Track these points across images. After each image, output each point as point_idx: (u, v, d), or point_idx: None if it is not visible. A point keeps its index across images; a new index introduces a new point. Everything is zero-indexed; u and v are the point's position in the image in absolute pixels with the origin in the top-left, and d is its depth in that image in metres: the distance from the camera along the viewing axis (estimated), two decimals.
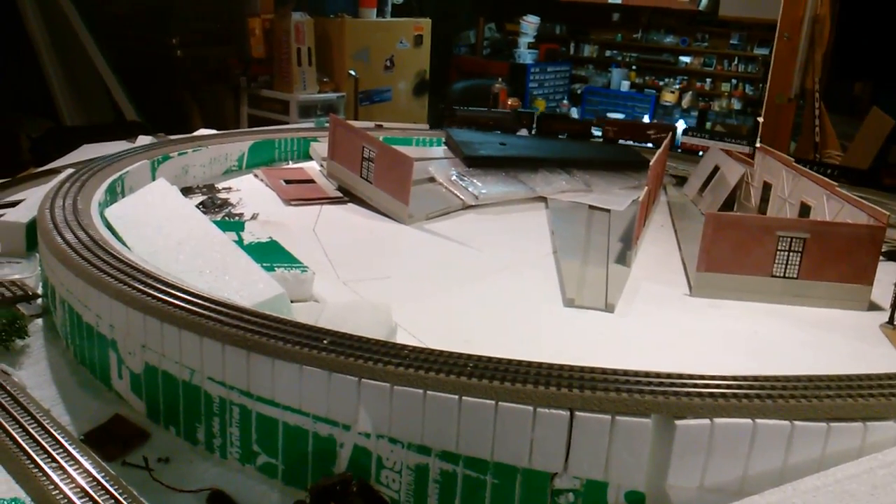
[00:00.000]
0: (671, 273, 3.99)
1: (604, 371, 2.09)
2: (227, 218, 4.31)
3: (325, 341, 2.20)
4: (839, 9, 9.05)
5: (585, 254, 4.08)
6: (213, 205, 4.52)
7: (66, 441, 2.07)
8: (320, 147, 5.56)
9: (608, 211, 4.87)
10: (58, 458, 2.00)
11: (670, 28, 12.93)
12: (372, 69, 9.93)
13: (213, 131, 5.72)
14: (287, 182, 5.04)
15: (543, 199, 5.17)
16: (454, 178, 5.12)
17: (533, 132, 6.49)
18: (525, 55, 13.25)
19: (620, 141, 6.49)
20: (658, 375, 2.07)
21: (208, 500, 2.15)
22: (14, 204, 4.15)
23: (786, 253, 3.62)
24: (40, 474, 1.94)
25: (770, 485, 1.88)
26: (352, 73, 9.16)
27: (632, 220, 4.54)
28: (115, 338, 2.56)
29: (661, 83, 12.89)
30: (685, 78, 12.79)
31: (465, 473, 2.03)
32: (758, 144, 5.03)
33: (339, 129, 5.02)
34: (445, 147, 5.88)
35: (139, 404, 2.54)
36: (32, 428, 2.12)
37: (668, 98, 12.59)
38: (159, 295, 2.44)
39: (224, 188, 4.92)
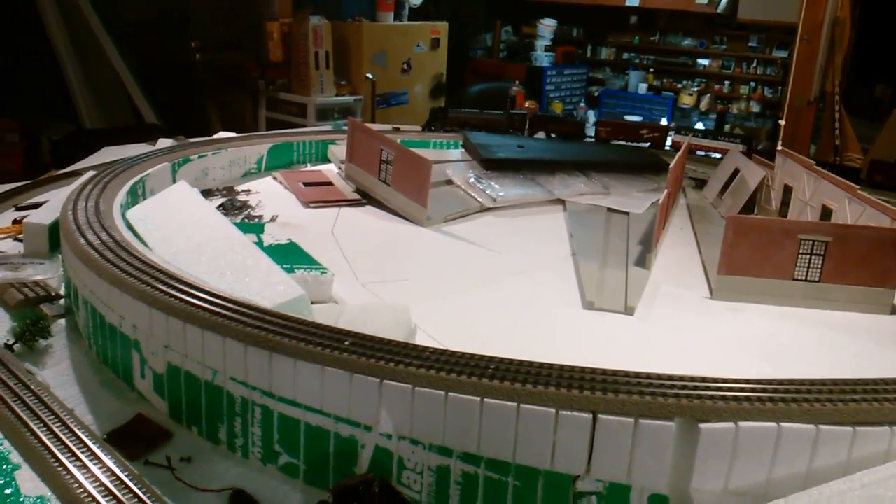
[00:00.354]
0: (691, 276, 3.97)
1: (626, 374, 2.08)
2: (246, 220, 4.33)
3: (346, 342, 2.20)
4: (859, 11, 8.99)
5: (604, 257, 4.06)
6: (233, 207, 4.55)
7: (89, 440, 2.09)
8: (338, 150, 5.58)
9: (626, 214, 4.85)
10: (82, 456, 2.02)
11: (688, 31, 12.89)
12: (389, 72, 9.96)
13: (233, 134, 5.76)
14: (305, 184, 5.06)
15: (561, 201, 5.16)
16: (472, 180, 5.12)
17: (525, 134, 6.48)
18: (542, 58, 13.25)
19: (613, 141, 6.48)
20: (682, 378, 2.06)
21: (230, 499, 2.16)
22: (36, 206, 4.20)
23: (807, 256, 3.59)
24: (65, 472, 1.95)
25: (795, 489, 1.87)
26: (369, 76, 9.20)
27: (650, 222, 4.52)
28: (137, 338, 2.57)
29: (679, 86, 12.85)
30: (703, 80, 12.74)
31: (487, 475, 2.03)
32: (779, 147, 4.99)
33: (358, 131, 5.03)
34: (462, 150, 5.88)
35: (161, 404, 2.55)
36: (56, 427, 2.14)
37: (686, 101, 12.55)
38: (182, 296, 2.45)
39: (243, 190, 4.95)
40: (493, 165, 5.40)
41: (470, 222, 4.68)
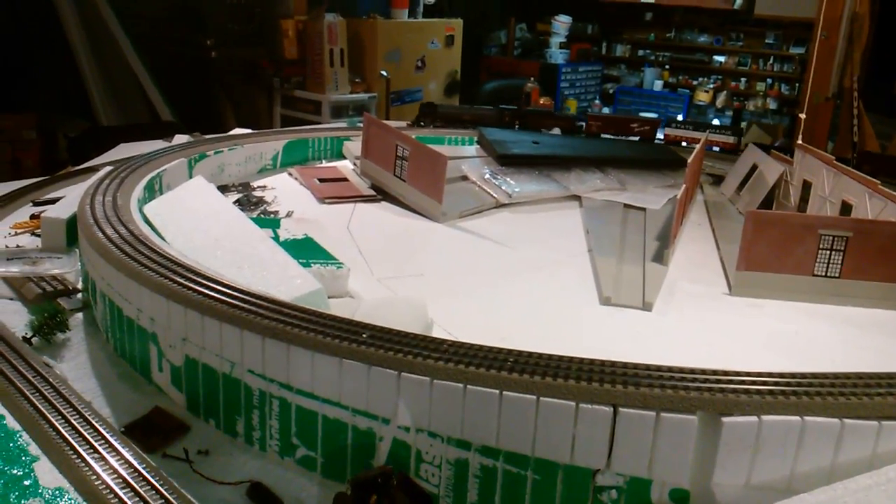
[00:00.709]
0: (709, 272, 3.93)
1: (648, 367, 2.06)
2: (262, 215, 4.33)
3: (364, 335, 2.19)
4: (879, 6, 8.90)
5: (621, 252, 4.03)
6: (249, 202, 4.55)
7: (107, 432, 2.09)
8: (353, 146, 5.57)
9: (643, 209, 4.82)
10: (100, 448, 2.02)
11: (704, 27, 12.81)
12: (403, 70, 9.96)
13: (248, 131, 5.76)
14: (321, 180, 5.05)
15: (577, 197, 5.13)
16: (487, 176, 5.10)
17: (517, 129, 6.43)
18: (556, 55, 13.20)
19: (603, 135, 6.43)
20: (703, 372, 2.04)
21: (248, 492, 2.16)
22: (53, 201, 4.22)
23: (828, 252, 3.55)
24: (83, 464, 1.95)
25: (819, 483, 1.84)
26: (383, 73, 9.20)
27: (668, 218, 4.49)
28: (155, 331, 2.58)
29: (695, 83, 12.77)
30: (719, 77, 12.66)
31: (506, 468, 2.01)
32: (798, 142, 4.94)
33: (373, 127, 5.03)
34: (478, 146, 5.86)
35: (179, 397, 2.55)
36: (75, 419, 2.14)
37: (702, 97, 12.47)
38: (200, 288, 2.45)
39: (259, 186, 4.96)
40: (509, 161, 5.37)
41: (485, 218, 4.66)
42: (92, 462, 1.96)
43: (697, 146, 5.10)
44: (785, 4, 11.13)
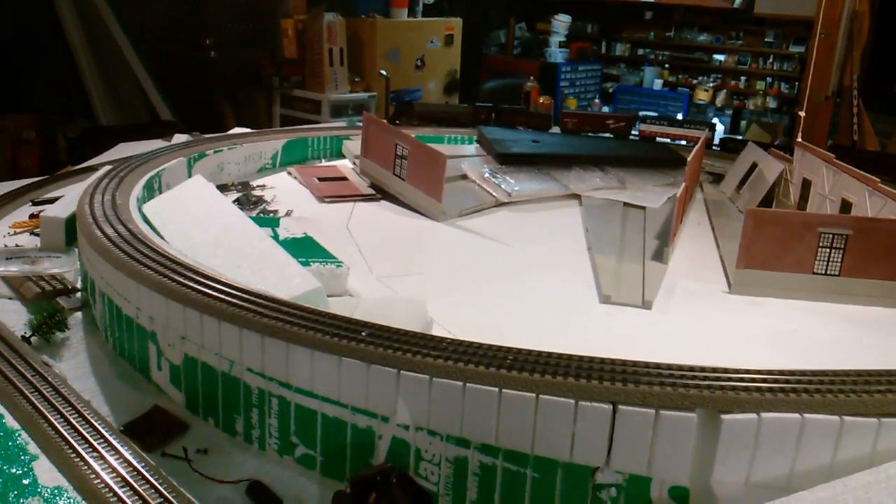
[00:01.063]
0: (709, 270, 3.93)
1: (647, 364, 2.05)
2: (261, 214, 4.33)
3: (363, 333, 2.19)
4: (878, 5, 8.89)
5: (621, 251, 4.03)
6: (248, 201, 4.55)
7: (106, 431, 2.08)
8: (353, 145, 5.57)
9: (643, 208, 4.81)
10: (99, 447, 2.01)
11: (704, 26, 12.79)
12: (403, 69, 9.94)
13: (248, 130, 5.76)
14: (320, 179, 5.05)
15: (577, 196, 5.12)
16: (487, 175, 5.10)
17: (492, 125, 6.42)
18: (556, 54, 13.19)
19: (581, 133, 6.42)
20: (703, 370, 2.03)
21: (247, 490, 2.15)
22: (52, 201, 4.22)
23: (827, 250, 3.54)
24: (82, 463, 1.95)
25: (819, 481, 1.84)
26: (383, 72, 9.19)
27: (667, 217, 4.49)
28: (154, 330, 2.57)
29: (695, 82, 12.75)
30: (719, 76, 12.64)
31: (505, 466, 2.01)
32: (798, 140, 4.94)
33: (373, 126, 5.02)
34: (477, 145, 5.85)
35: (178, 395, 2.55)
36: (74, 418, 2.14)
37: (702, 96, 12.46)
38: (199, 287, 2.45)
39: (258, 185, 4.95)
40: (508, 160, 5.37)
41: (485, 217, 4.66)
42: (91, 461, 1.95)
43: (697, 146, 5.10)
44: (785, 3, 11.12)
